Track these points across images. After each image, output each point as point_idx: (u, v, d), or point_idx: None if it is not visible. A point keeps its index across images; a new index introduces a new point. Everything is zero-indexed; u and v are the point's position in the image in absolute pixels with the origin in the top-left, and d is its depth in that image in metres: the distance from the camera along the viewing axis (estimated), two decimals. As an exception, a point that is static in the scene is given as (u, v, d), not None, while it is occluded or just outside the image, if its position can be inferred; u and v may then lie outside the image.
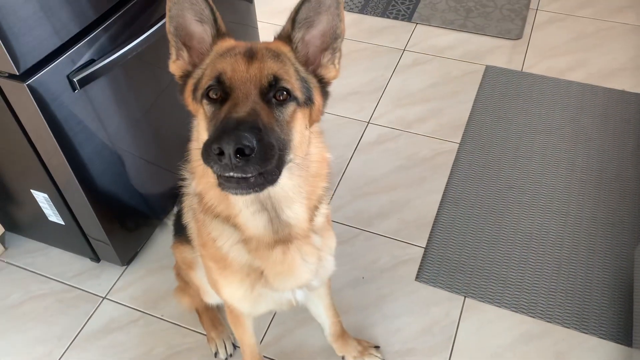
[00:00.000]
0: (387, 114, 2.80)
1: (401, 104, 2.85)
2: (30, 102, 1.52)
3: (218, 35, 1.13)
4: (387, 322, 1.99)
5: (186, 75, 1.15)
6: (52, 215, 1.99)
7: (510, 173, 2.47)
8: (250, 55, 1.05)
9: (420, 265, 2.14)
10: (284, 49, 1.12)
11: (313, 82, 1.14)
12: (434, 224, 2.28)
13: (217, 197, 1.17)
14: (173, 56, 1.15)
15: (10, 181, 1.94)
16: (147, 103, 1.95)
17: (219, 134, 0.90)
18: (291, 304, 1.43)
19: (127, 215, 2.07)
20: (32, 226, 2.19)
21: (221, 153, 0.89)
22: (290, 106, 1.06)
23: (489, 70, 2.98)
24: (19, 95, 1.52)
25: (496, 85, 2.90)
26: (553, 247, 2.18)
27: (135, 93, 1.87)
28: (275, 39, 1.15)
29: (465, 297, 2.04)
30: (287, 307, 1.46)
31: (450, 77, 2.98)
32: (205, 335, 1.97)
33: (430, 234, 2.25)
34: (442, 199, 2.38)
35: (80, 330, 2.01)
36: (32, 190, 1.91)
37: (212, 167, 0.94)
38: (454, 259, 2.16)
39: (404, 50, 3.16)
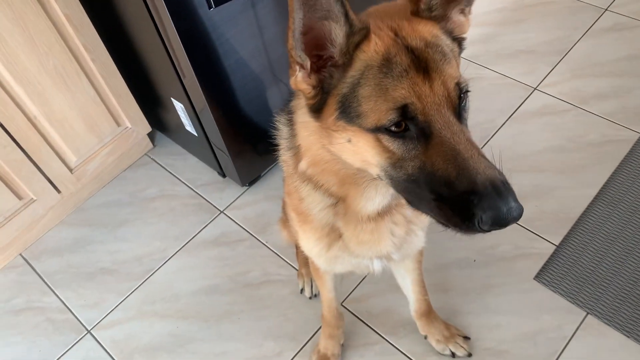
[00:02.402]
0: (561, 82, 2.41)
1: (582, 73, 2.42)
2: (165, 13, 1.56)
3: (352, 32, 0.87)
4: (487, 314, 1.80)
5: (316, 92, 0.95)
6: (188, 125, 2.10)
7: (698, 183, 1.99)
8: (424, 68, 0.86)
9: (545, 264, 1.87)
10: (434, 30, 0.91)
11: (456, 50, 0.96)
12: (576, 222, 1.96)
13: (337, 183, 1.07)
14: (295, 70, 0.92)
15: (158, 86, 2.07)
16: (283, 29, 1.89)
17: (493, 216, 0.80)
18: (370, 270, 1.34)
19: (252, 138, 2.10)
20: (174, 131, 2.35)
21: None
22: (468, 105, 0.94)
23: None
24: (157, 5, 1.57)
25: None
26: None
27: (273, 16, 1.82)
28: (412, 13, 0.93)
29: (587, 313, 1.74)
30: (366, 272, 1.37)
31: (656, 52, 2.44)
32: (297, 270, 1.98)
33: (568, 232, 1.94)
34: (596, 196, 2.01)
35: (194, 237, 2.15)
36: (172, 99, 2.02)
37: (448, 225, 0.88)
38: (588, 267, 1.84)
39: (606, 9, 2.65)
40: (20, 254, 2.18)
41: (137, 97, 2.20)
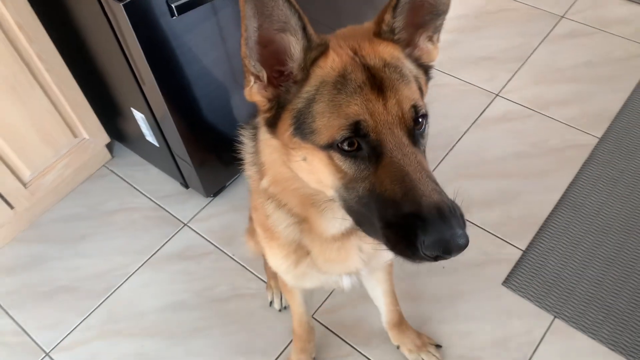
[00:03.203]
0: (522, 88, 2.45)
1: (543, 79, 2.47)
2: (126, 22, 1.50)
3: (310, 47, 0.86)
4: (458, 322, 1.80)
5: (271, 106, 0.93)
6: (149, 135, 2.03)
7: (655, 186, 2.06)
8: (379, 86, 0.85)
9: (512, 270, 1.89)
10: (394, 51, 0.91)
11: (421, 77, 0.95)
12: (542, 227, 1.99)
13: (298, 204, 1.05)
14: (250, 81, 0.90)
15: (117, 96, 2.00)
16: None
17: (435, 241, 0.78)
18: (339, 286, 1.31)
19: (216, 148, 2.05)
20: (134, 142, 2.27)
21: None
22: (426, 129, 0.92)
23: (664, 57, 2.46)
24: (117, 14, 1.50)
25: (668, 77, 2.39)
26: (684, 286, 1.80)
27: (235, 24, 1.78)
28: (374, 34, 0.92)
29: (555, 317, 1.77)
30: (335, 287, 1.34)
31: (611, 58, 2.52)
32: (266, 282, 1.94)
33: (534, 237, 1.96)
34: (560, 200, 2.05)
35: (158, 251, 2.08)
36: (132, 109, 1.95)
37: (397, 251, 0.84)
38: (554, 271, 1.87)
39: (563, 17, 2.72)
40: (-29, 274, 2.07)
41: (94, 107, 2.11)
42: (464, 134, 2.30)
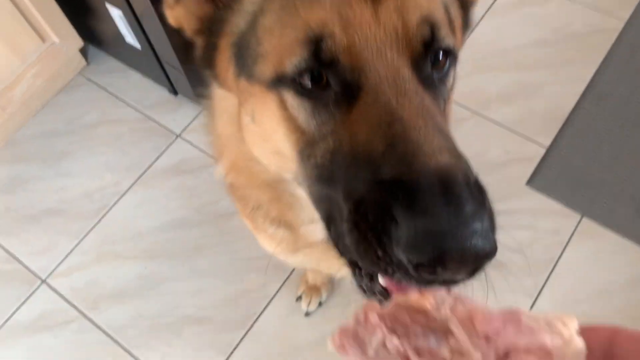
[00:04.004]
0: (540, -32, 2.20)
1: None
2: None
3: None
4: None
5: (204, 28, 0.66)
6: (129, 36, 1.78)
7: (687, 72, 1.90)
8: None
9: (536, 168, 1.76)
10: None
11: (455, 11, 0.66)
12: (566, 121, 1.84)
13: (269, 202, 0.78)
14: None
15: (86, -10, 1.72)
16: None
17: (423, 232, 0.45)
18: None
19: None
20: (112, 45, 2.01)
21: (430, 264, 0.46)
22: (451, 76, 0.62)
23: None
24: None
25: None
26: None
27: None
28: None
29: (582, 216, 1.67)
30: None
31: None
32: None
33: (558, 133, 1.82)
34: (585, 91, 1.89)
35: (150, 167, 1.90)
36: (106, 4, 1.68)
37: (377, 269, 0.51)
38: (581, 168, 1.75)
39: None
40: (-54, 201, 1.88)
41: (63, 6, 1.83)
42: (479, 21, 2.08)
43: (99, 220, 1.80)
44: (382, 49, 0.54)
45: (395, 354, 0.41)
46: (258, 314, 1.63)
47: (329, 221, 0.59)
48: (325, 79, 0.55)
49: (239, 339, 1.60)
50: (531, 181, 1.75)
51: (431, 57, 0.58)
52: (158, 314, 1.65)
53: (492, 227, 0.47)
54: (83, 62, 2.11)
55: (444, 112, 0.60)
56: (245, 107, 0.63)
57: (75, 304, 1.67)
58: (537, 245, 1.65)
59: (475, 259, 0.45)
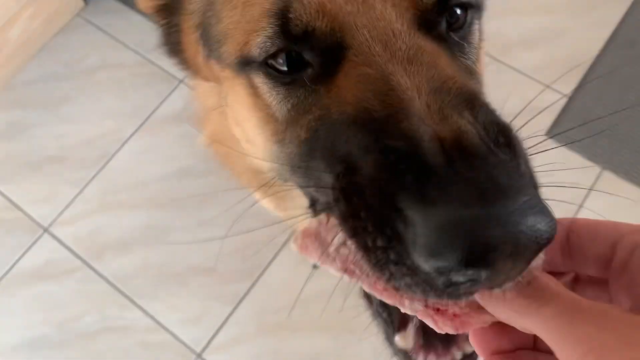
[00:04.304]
0: None
1: None
2: None
3: None
4: (496, 177, 1.64)
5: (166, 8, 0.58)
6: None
7: None
8: None
9: (556, 118, 1.69)
10: None
11: None
12: (589, 69, 1.75)
13: (258, 190, 0.74)
14: None
15: None
16: None
17: (450, 224, 0.33)
18: None
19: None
20: (110, -17, 1.90)
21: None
22: (475, 31, 0.54)
23: None
24: None
25: None
26: None
27: None
28: None
29: (603, 168, 1.61)
30: None
31: None
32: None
33: (581, 81, 1.73)
34: (610, 37, 1.79)
35: (153, 113, 1.83)
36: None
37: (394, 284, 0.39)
38: (603, 119, 1.67)
39: None
40: (-56, 147, 1.83)
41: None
42: (500, -39, 1.96)
43: (101, 168, 1.75)
44: (370, 2, 0.45)
45: (355, 252, 0.39)
46: (265, 265, 1.59)
47: (314, 202, 0.54)
48: (301, 56, 0.47)
49: (245, 289, 1.58)
50: (551, 132, 1.67)
51: (447, 16, 0.50)
52: (163, 264, 1.61)
53: (537, 193, 0.39)
54: (81, 2, 2.01)
55: (473, 74, 0.53)
56: (220, 90, 0.57)
57: (79, 253, 1.64)
58: (555, 198, 1.59)
59: (535, 245, 0.34)
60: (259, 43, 0.46)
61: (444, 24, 0.50)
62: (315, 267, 1.53)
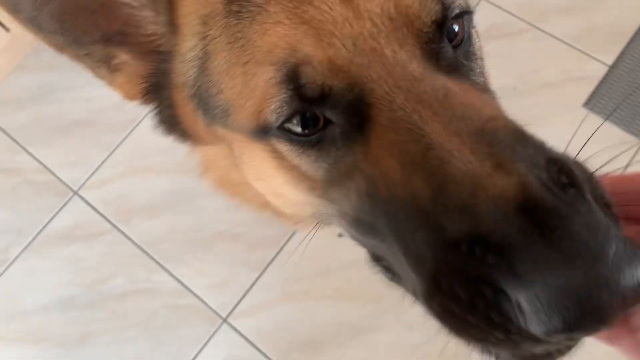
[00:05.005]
0: None
1: None
2: None
3: None
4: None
5: (152, 86, 0.57)
6: None
7: None
8: None
9: (595, 89, 1.63)
10: None
11: None
12: (632, 37, 1.67)
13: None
14: (104, 74, 0.59)
15: None
16: None
17: (557, 293, 0.34)
18: None
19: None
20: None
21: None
22: (475, 39, 0.51)
23: None
24: None
25: None
26: None
27: None
28: None
29: (643, 142, 1.56)
30: None
31: None
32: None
33: (623, 50, 1.66)
34: (656, 4, 1.71)
35: (181, 77, 1.82)
36: None
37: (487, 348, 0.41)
38: (646, 89, 1.61)
39: None
40: (-24, 108, 1.85)
41: None
42: None
43: (130, 133, 1.75)
44: (376, 45, 0.41)
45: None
46: (291, 233, 1.59)
47: (379, 259, 0.51)
48: (322, 119, 0.44)
49: (271, 256, 1.58)
50: (589, 103, 1.61)
51: (447, 33, 0.46)
52: (191, 229, 1.62)
53: (618, 229, 0.36)
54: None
55: (489, 92, 0.49)
56: (236, 149, 0.54)
57: (107, 216, 1.65)
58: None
59: (635, 291, 0.34)
60: (275, 109, 0.44)
61: (450, 50, 0.46)
62: (340, 235, 1.52)
